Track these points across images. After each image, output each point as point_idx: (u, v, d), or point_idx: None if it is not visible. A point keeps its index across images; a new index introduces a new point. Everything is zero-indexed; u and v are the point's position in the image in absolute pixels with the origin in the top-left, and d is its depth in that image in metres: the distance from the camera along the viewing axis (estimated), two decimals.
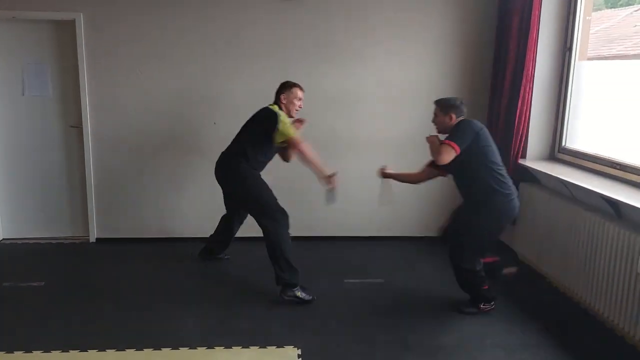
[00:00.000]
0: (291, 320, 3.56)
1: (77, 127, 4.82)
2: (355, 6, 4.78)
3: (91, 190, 4.89)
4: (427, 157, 5.03)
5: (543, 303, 3.89)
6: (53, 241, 4.98)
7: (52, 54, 4.73)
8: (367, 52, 4.86)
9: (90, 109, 4.75)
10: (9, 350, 3.11)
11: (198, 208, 5.00)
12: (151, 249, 4.82)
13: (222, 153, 4.05)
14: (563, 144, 4.56)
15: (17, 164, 4.90)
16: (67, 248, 4.85)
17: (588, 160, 4.15)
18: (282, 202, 3.94)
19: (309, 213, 5.05)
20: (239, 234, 4.48)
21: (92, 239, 4.98)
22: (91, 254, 4.76)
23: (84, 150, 4.82)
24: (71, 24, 4.61)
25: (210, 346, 3.19)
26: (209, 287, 4.05)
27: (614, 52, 4.40)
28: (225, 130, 4.58)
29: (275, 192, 3.98)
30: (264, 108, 3.93)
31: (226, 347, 3.19)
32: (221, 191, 4.17)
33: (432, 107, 4.95)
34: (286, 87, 3.98)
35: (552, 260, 4.10)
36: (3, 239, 4.99)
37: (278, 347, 3.21)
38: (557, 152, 4.60)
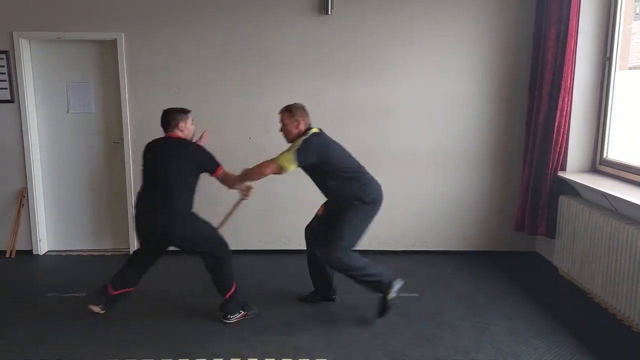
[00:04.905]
0: (323, 332, 3.57)
1: (119, 142, 4.98)
2: (388, 18, 4.80)
3: (132, 204, 5.02)
4: (463, 168, 5.02)
5: (583, 320, 3.77)
6: (95, 253, 5.13)
7: (95, 72, 4.92)
8: (401, 63, 4.87)
9: (131, 125, 4.91)
10: (51, 358, 3.23)
11: (234, 222, 5.05)
12: (189, 261, 4.87)
13: None
14: (604, 155, 4.43)
15: (61, 179, 5.09)
16: (108, 260, 4.98)
17: (631, 172, 4.03)
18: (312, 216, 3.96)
19: None
20: (271, 246, 4.50)
21: (133, 251, 5.11)
22: None
23: (125, 165, 4.97)
24: (113, 44, 4.79)
25: (243, 358, 3.22)
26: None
27: None
28: (259, 145, 4.66)
29: (307, 208, 3.98)
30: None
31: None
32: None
33: (469, 118, 4.94)
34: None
35: (594, 276, 3.97)
36: (48, 251, 5.17)
37: None
38: (598, 163, 4.47)
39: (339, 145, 3.71)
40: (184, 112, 3.75)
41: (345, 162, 3.65)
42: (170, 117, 3.69)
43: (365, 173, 3.72)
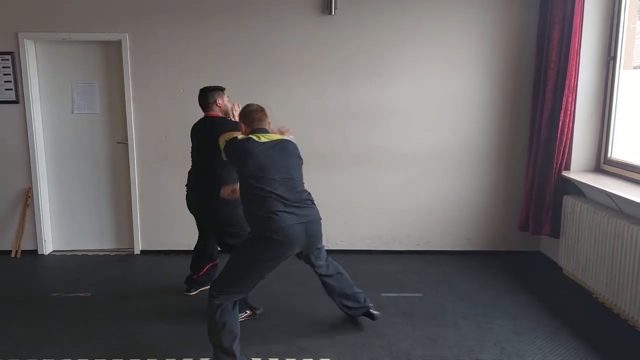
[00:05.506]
0: (326, 332, 3.57)
1: (123, 143, 5.00)
2: (391, 18, 4.80)
3: (136, 204, 5.05)
4: (467, 168, 5.02)
5: (588, 320, 3.76)
6: (100, 253, 5.15)
7: (100, 73, 4.94)
8: (404, 62, 4.87)
9: (135, 125, 4.92)
10: (56, 357, 3.25)
11: None
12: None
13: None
14: (608, 155, 4.42)
15: (66, 179, 5.11)
16: (112, 260, 5.01)
17: (635, 172, 4.02)
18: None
19: (345, 227, 5.06)
20: None
21: (137, 251, 5.13)
22: (136, 266, 4.90)
23: (129, 166, 4.99)
24: (117, 44, 4.81)
25: (247, 358, 3.22)
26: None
27: None
28: None
29: None
30: None
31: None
32: None
33: (472, 117, 4.94)
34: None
35: (598, 276, 3.96)
36: (53, 251, 5.19)
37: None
38: (602, 163, 4.46)
39: (266, 161, 3.04)
40: (219, 88, 3.81)
41: (256, 181, 3.02)
42: (208, 95, 3.76)
43: (276, 201, 2.98)
